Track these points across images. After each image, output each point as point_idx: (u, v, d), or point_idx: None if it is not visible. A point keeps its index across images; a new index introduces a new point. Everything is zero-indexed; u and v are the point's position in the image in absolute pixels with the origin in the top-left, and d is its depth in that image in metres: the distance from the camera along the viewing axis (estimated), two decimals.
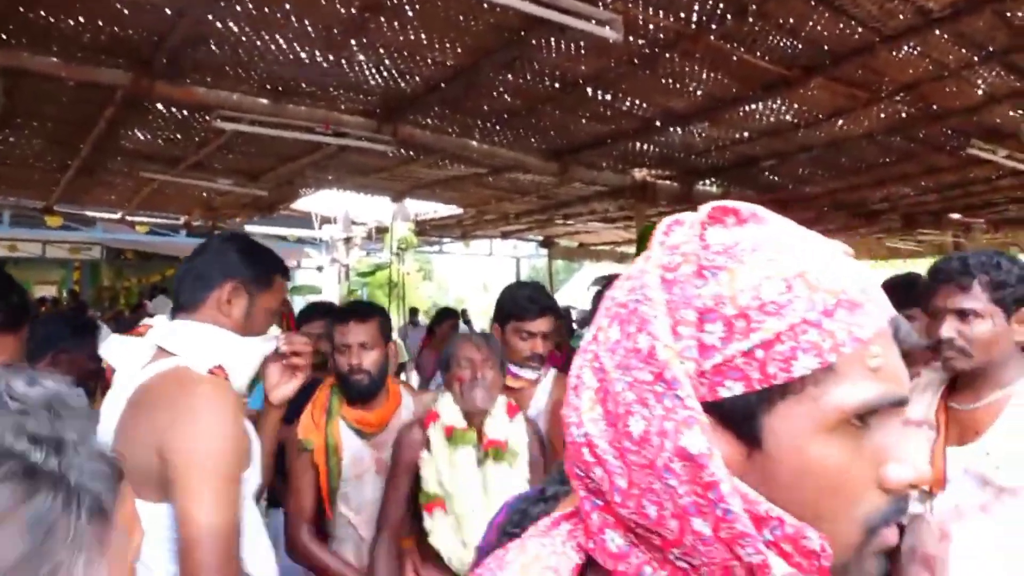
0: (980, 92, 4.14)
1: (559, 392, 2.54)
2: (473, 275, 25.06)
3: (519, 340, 2.51)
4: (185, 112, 4.74)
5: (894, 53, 3.59)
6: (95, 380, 3.32)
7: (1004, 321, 1.74)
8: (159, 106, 4.64)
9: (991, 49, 3.55)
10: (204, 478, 1.42)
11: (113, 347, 1.61)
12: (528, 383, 2.55)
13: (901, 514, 0.58)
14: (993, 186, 6.60)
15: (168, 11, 3.22)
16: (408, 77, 3.99)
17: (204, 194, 7.53)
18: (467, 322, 14.15)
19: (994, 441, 1.74)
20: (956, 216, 8.48)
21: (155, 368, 1.55)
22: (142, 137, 5.38)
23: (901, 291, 3.09)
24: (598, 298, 3.09)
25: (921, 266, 16.02)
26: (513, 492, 2.18)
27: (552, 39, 3.46)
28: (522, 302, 2.51)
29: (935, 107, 4.37)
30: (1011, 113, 4.49)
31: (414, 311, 13.74)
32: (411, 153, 5.53)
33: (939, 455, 1.79)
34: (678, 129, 4.81)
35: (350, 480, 2.32)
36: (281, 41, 3.55)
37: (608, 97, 4.25)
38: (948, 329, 1.75)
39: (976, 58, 3.65)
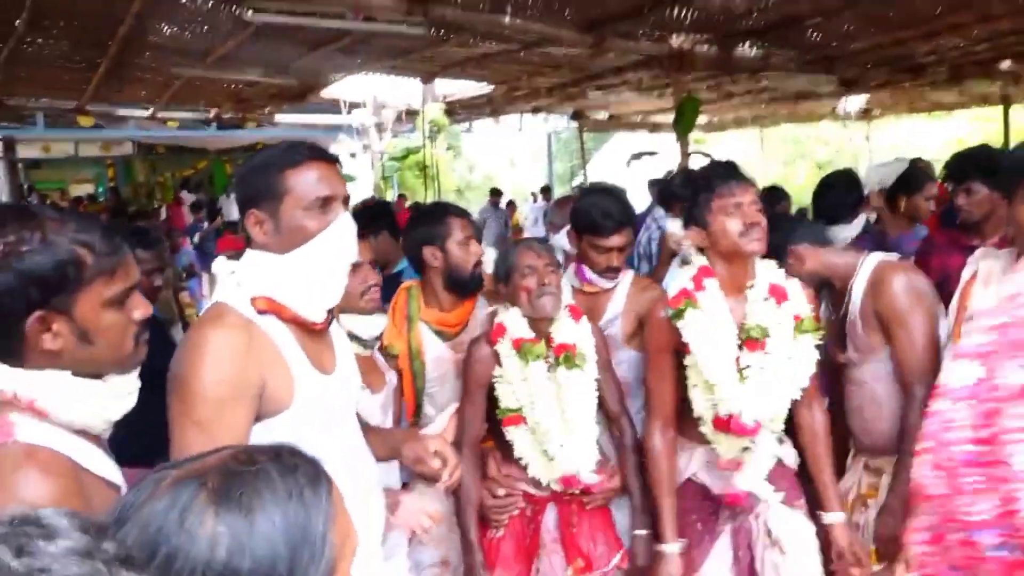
0: None
1: (640, 295, 2.57)
2: (500, 151, 24.73)
3: (595, 254, 2.53)
4: (212, 3, 4.65)
5: None
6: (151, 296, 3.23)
7: None
8: None
9: None
10: (174, 414, 1.43)
11: (217, 273, 1.62)
12: (603, 290, 2.59)
13: None
14: None
15: None
16: None
17: (233, 87, 7.47)
18: (496, 202, 14.18)
19: None
20: (1007, 65, 8.10)
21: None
22: (169, 32, 5.31)
23: (972, 163, 3.04)
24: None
25: (964, 118, 15.43)
26: (585, 396, 2.22)
27: None
28: (598, 218, 2.48)
29: None
30: None
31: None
32: (442, 33, 5.38)
33: None
34: None
35: (434, 381, 2.42)
36: None
37: None
38: None
39: None
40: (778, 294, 2.15)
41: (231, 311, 1.51)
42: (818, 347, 2.19)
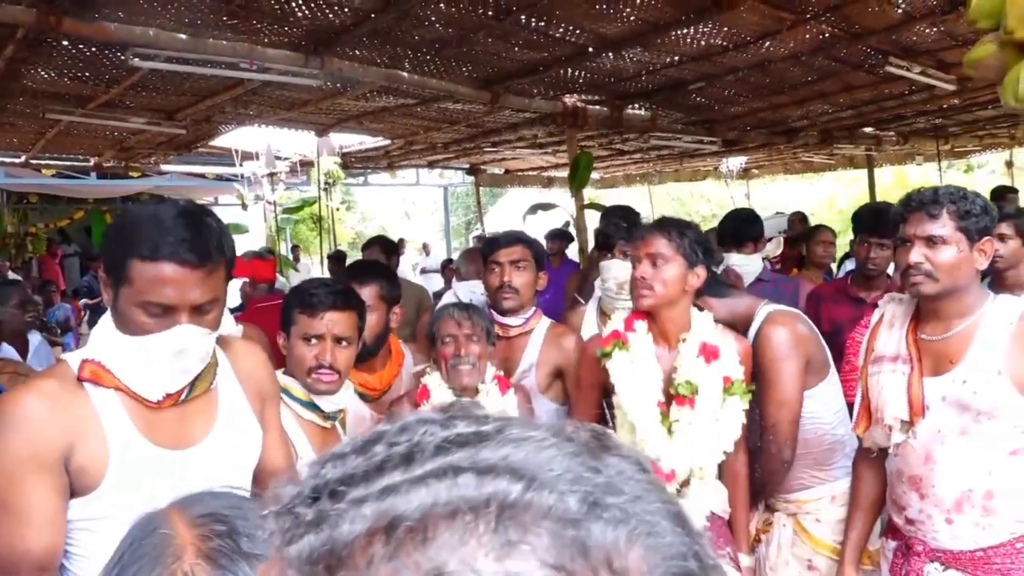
0: (899, 11, 4.27)
1: (555, 342, 2.58)
2: (396, 204, 24.70)
3: (490, 275, 2.55)
4: (95, 49, 4.46)
5: None
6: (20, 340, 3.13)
7: (967, 248, 1.84)
8: (66, 43, 4.35)
9: None
10: None
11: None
12: (518, 331, 2.57)
13: None
14: (904, 101, 6.85)
15: None
16: (337, 7, 3.85)
17: (116, 134, 7.15)
18: (399, 253, 14.26)
19: (969, 369, 1.85)
20: (869, 130, 8.79)
21: None
22: (47, 76, 5.04)
23: (872, 219, 3.25)
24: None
25: (834, 178, 16.54)
26: None
27: None
28: (492, 239, 2.55)
29: (857, 27, 4.48)
30: (927, 31, 4.65)
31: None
32: (338, 86, 5.36)
33: (916, 386, 1.90)
34: (610, 55, 4.80)
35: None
36: None
37: (542, 24, 4.19)
38: (916, 254, 1.83)
39: None
40: (708, 353, 2.14)
41: (57, 372, 1.43)
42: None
